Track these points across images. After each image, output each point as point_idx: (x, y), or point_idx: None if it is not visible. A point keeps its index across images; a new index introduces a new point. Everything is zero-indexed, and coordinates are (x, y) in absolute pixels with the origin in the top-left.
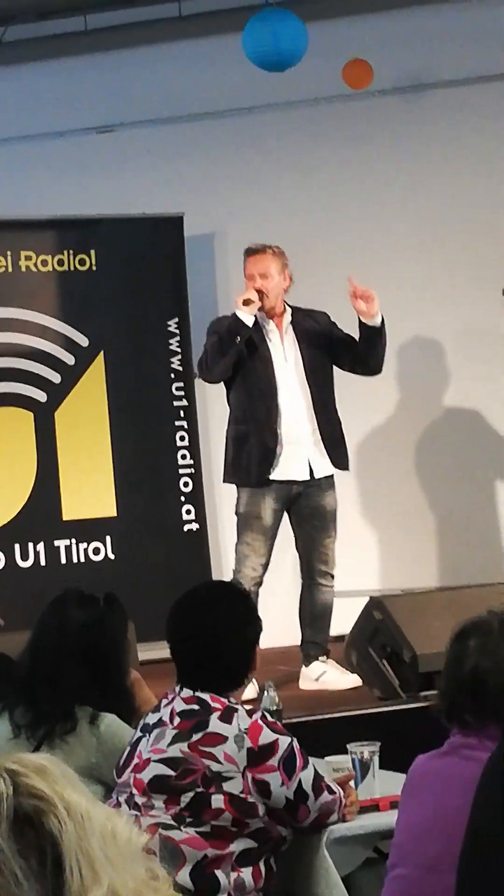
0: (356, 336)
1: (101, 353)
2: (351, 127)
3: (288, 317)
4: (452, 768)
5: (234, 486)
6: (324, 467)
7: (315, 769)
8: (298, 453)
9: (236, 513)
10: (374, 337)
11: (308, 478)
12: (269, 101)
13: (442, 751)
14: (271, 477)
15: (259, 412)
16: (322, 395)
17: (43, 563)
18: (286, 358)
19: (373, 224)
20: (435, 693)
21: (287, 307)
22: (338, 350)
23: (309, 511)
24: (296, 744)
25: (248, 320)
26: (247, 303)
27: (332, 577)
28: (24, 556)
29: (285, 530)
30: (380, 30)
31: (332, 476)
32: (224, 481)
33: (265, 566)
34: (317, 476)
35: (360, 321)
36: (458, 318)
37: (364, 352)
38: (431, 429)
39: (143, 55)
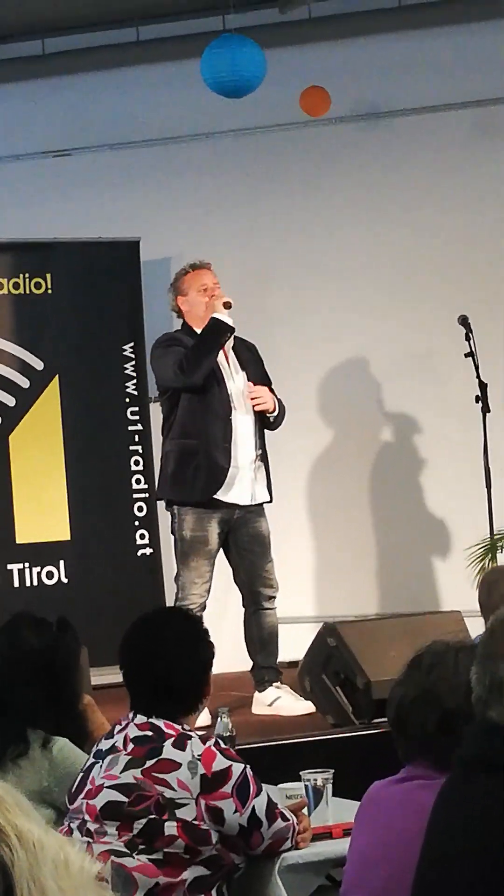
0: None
1: (56, 376)
2: (308, 154)
3: (231, 340)
4: (406, 795)
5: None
6: (261, 493)
7: (268, 796)
8: (244, 476)
9: (179, 537)
10: (271, 424)
11: (249, 502)
12: (227, 127)
13: (397, 777)
14: (218, 496)
15: (214, 429)
16: (259, 422)
17: None
18: (234, 380)
19: (330, 249)
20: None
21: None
22: (265, 383)
23: (248, 538)
24: (249, 770)
25: (230, 321)
26: (227, 305)
27: (275, 598)
28: None
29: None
30: (337, 58)
31: (265, 503)
32: (160, 497)
33: (209, 591)
34: (256, 501)
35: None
36: (413, 343)
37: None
38: (379, 455)
39: (100, 79)
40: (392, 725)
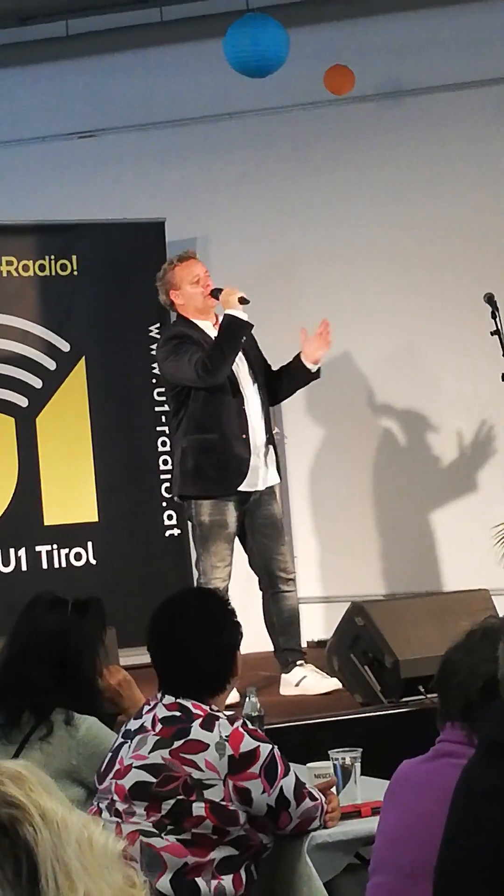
0: (269, 361)
1: (83, 358)
2: (332, 132)
3: None
4: (434, 774)
5: None
6: (272, 476)
7: (296, 776)
8: (258, 463)
9: (197, 522)
10: (305, 380)
11: (262, 487)
12: (251, 106)
13: (426, 756)
14: (240, 488)
15: (230, 421)
16: (266, 404)
17: (24, 568)
18: (240, 368)
19: (354, 229)
20: (418, 699)
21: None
22: (265, 366)
23: (262, 521)
24: (277, 751)
25: (247, 318)
26: (243, 301)
27: (293, 580)
28: (6, 562)
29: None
30: (361, 36)
31: (275, 485)
32: (175, 494)
33: (230, 574)
34: (268, 485)
35: (299, 360)
36: (440, 324)
37: (283, 386)
38: (407, 432)
39: (124, 60)
40: (437, 685)
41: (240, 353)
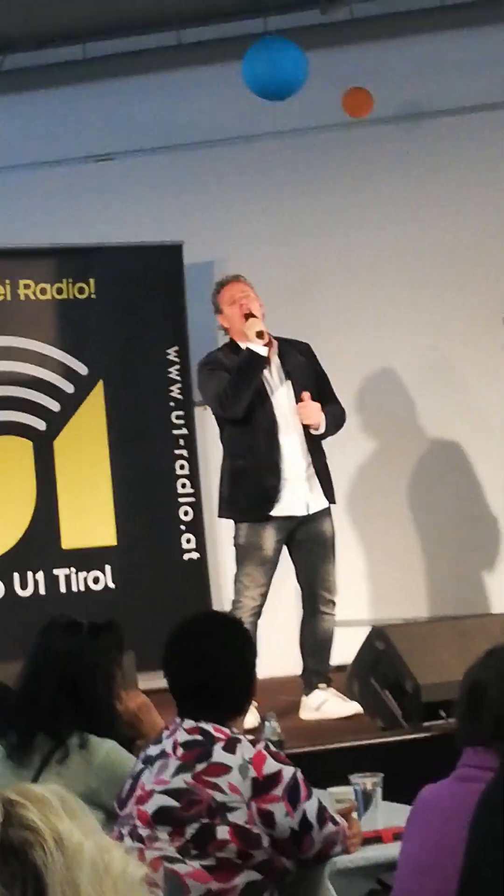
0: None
1: (101, 381)
2: (351, 155)
3: (276, 348)
4: (458, 800)
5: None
6: (318, 502)
7: (319, 800)
8: (296, 490)
9: (235, 544)
10: (321, 438)
11: (305, 513)
12: (269, 129)
13: (448, 781)
14: (272, 514)
15: (260, 448)
16: (308, 432)
17: (42, 592)
18: (279, 391)
19: (372, 251)
20: (439, 723)
21: (272, 338)
22: (319, 385)
23: (307, 538)
24: (300, 774)
25: (264, 352)
26: (260, 335)
27: (335, 604)
28: (24, 585)
29: (285, 561)
30: (380, 58)
31: (328, 507)
32: (220, 516)
33: (264, 596)
34: (312, 511)
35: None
36: (457, 346)
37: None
38: (427, 457)
39: (141, 83)
40: (463, 707)
41: (280, 376)
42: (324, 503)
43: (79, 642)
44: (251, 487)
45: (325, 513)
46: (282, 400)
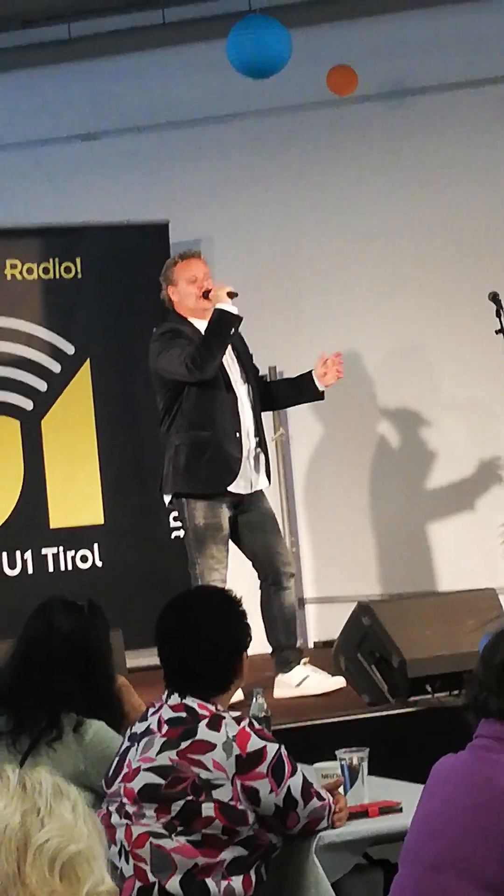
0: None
1: (88, 360)
2: (335, 133)
3: None
4: (469, 768)
5: None
6: (263, 480)
7: (304, 776)
8: (247, 466)
9: (191, 526)
10: (311, 398)
11: (250, 491)
12: (254, 107)
13: (465, 752)
14: (230, 488)
15: (224, 419)
16: (258, 406)
17: (30, 571)
18: (233, 368)
19: (358, 228)
20: (425, 698)
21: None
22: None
23: (260, 518)
24: (284, 750)
25: (236, 311)
26: (231, 295)
27: (293, 577)
28: (12, 565)
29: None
30: (364, 36)
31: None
32: (168, 492)
33: (226, 578)
34: (255, 489)
35: (311, 382)
36: (443, 324)
37: (284, 396)
38: (412, 432)
39: (126, 63)
40: (484, 678)
41: (232, 355)
42: (265, 482)
43: (83, 622)
44: (215, 458)
45: (263, 493)
46: (237, 376)
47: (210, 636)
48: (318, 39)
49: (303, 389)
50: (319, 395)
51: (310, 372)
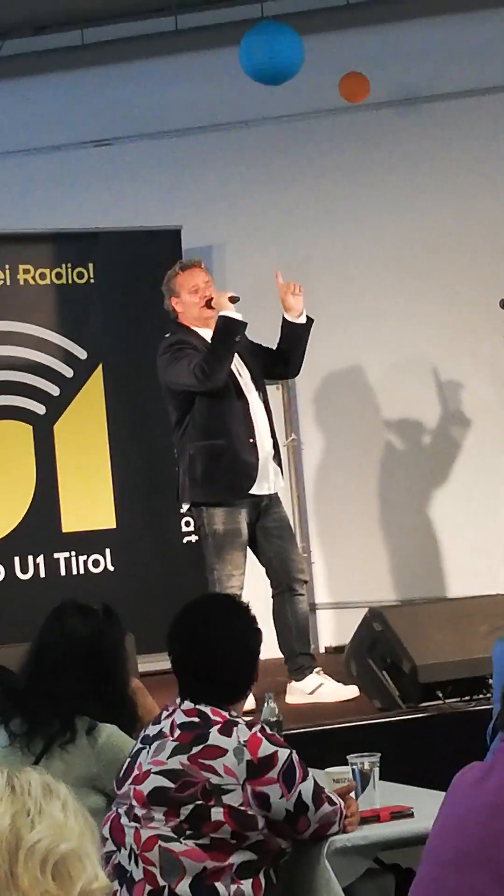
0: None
1: (100, 365)
2: (347, 140)
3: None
4: (490, 772)
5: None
6: (279, 482)
7: (315, 781)
8: (266, 467)
9: (209, 532)
10: (301, 334)
11: (270, 492)
12: (266, 114)
13: (487, 759)
14: (251, 492)
15: (237, 426)
16: (269, 410)
17: (42, 575)
18: (242, 374)
19: (369, 235)
20: (436, 704)
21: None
22: (262, 359)
23: (274, 524)
24: (295, 756)
25: (240, 317)
26: (233, 300)
27: (306, 584)
28: (24, 569)
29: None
30: (376, 43)
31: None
32: (186, 501)
33: (244, 584)
34: (274, 490)
35: (284, 320)
36: (453, 331)
37: (287, 350)
38: (425, 438)
39: (139, 69)
40: None
41: (241, 361)
42: (281, 483)
43: (99, 626)
44: (231, 467)
45: (279, 497)
46: (245, 378)
47: (225, 645)
48: (331, 47)
49: (290, 336)
50: (304, 326)
51: (283, 320)
